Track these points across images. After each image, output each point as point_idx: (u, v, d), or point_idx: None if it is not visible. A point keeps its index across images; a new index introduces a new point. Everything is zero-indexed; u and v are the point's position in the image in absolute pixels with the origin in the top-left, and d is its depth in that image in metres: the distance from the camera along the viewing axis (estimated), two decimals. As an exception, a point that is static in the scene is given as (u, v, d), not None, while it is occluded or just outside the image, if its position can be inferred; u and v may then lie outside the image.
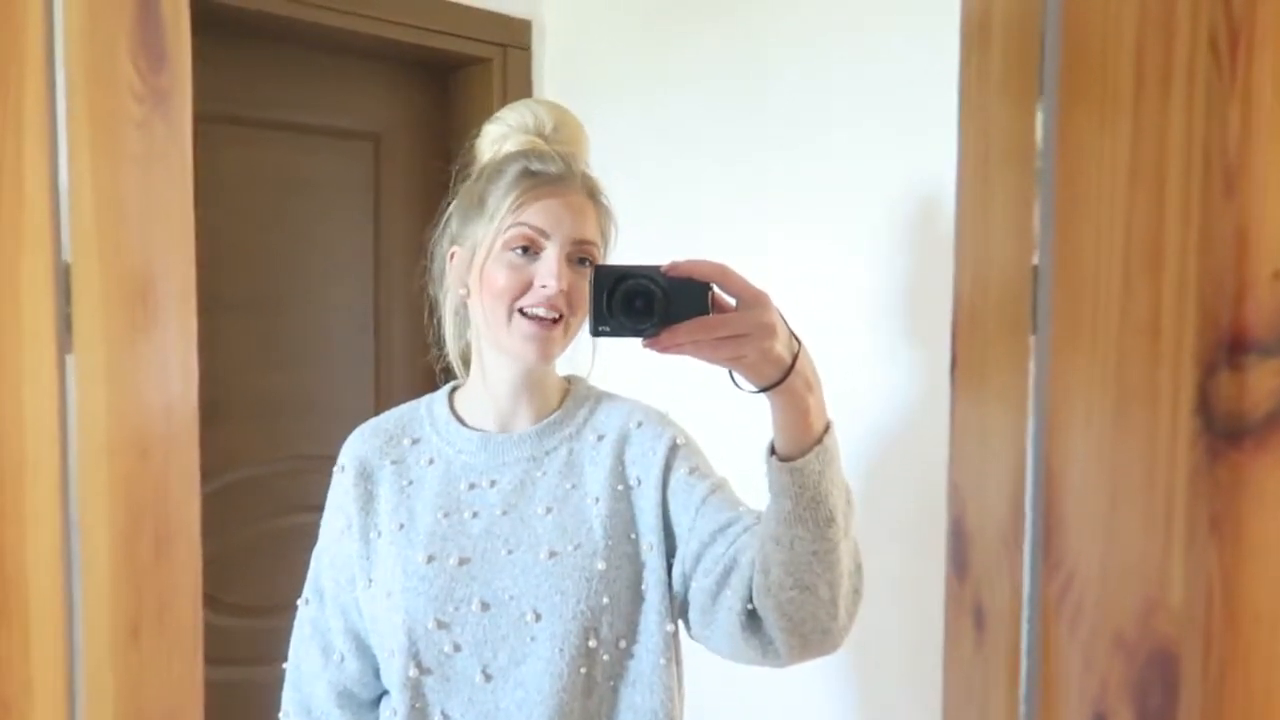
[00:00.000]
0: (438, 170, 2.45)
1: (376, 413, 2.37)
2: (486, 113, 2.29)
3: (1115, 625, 0.40)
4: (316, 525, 1.10)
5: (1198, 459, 0.34)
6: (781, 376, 0.80)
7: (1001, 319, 0.52)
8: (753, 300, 0.79)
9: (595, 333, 0.82)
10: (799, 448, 0.83)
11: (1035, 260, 0.46)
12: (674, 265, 0.79)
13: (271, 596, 1.99)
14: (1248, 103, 0.32)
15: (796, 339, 0.82)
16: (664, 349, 0.79)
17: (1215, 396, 0.34)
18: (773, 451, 0.84)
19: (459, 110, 2.25)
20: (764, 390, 0.81)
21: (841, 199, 1.38)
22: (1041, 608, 0.47)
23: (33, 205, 0.43)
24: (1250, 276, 0.33)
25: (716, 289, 0.80)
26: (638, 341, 0.81)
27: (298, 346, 2.10)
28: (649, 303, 0.79)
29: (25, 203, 0.42)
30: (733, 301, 0.80)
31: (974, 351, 0.59)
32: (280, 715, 1.03)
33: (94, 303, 0.45)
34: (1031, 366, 0.46)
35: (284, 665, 1.04)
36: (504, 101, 2.07)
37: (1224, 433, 0.33)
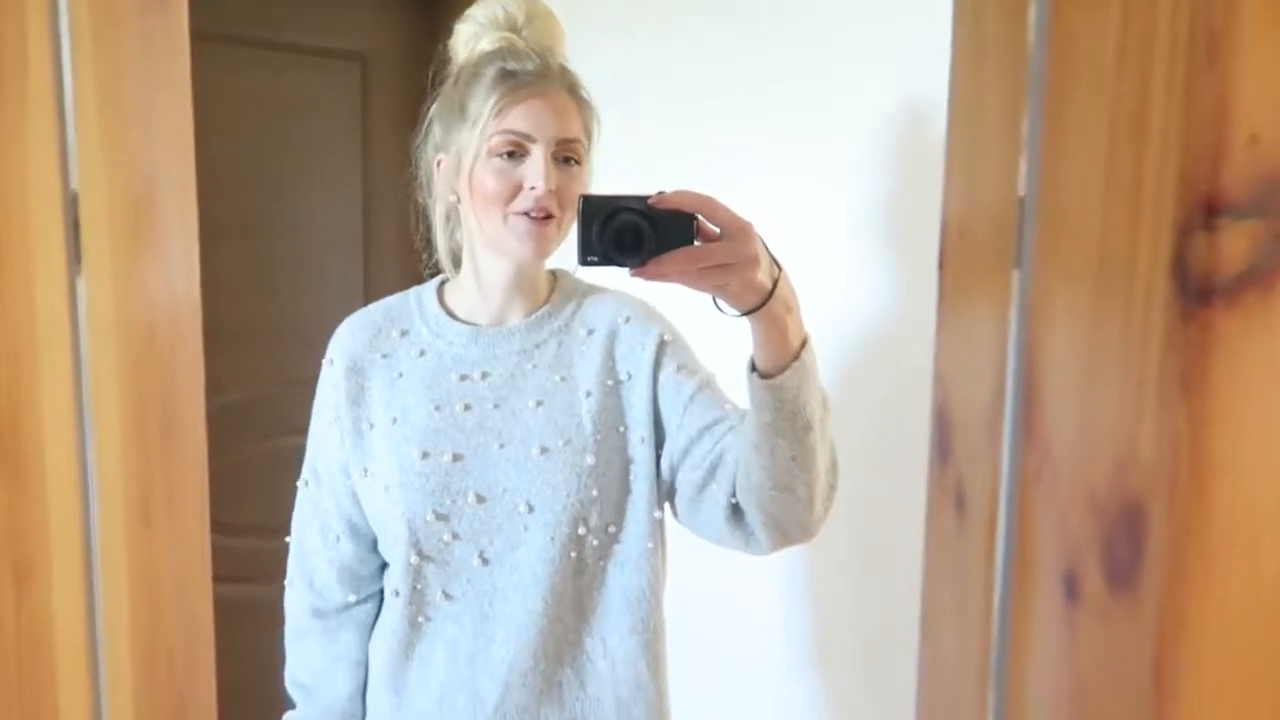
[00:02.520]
0: (425, 91, 2.41)
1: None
2: (475, 32, 2.24)
3: (1088, 487, 0.42)
4: (300, 450, 1.12)
5: (1171, 320, 0.36)
6: (762, 302, 0.82)
7: (992, 196, 0.53)
8: (737, 231, 0.80)
9: (583, 262, 0.84)
10: (778, 365, 0.85)
11: (1023, 162, 0.47)
12: (661, 197, 0.81)
13: (266, 517, 2.01)
14: (1234, -31, 0.33)
15: (777, 264, 0.84)
16: (650, 278, 0.81)
17: (1190, 259, 0.35)
18: (753, 368, 0.87)
19: (446, 30, 2.21)
20: (746, 314, 0.83)
21: (830, 113, 1.38)
22: (1020, 483, 0.49)
23: (38, 130, 0.43)
24: (1228, 142, 0.34)
25: (702, 219, 0.82)
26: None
27: (286, 270, 2.09)
28: (637, 236, 0.80)
29: (29, 122, 0.42)
30: (717, 231, 0.81)
31: (963, 239, 0.60)
32: (286, 583, 1.08)
33: (99, 219, 0.46)
34: (1018, 247, 0.48)
35: (286, 539, 1.08)
36: (493, 20, 2.03)
37: (1196, 293, 0.35)
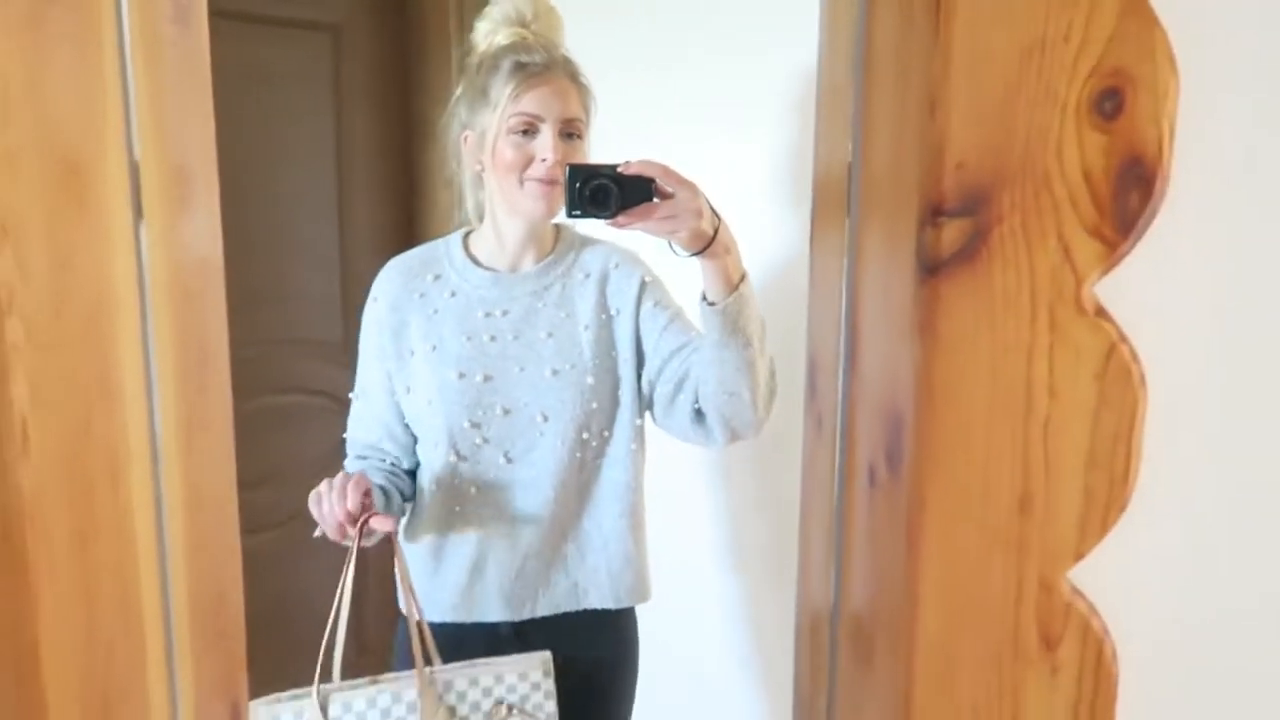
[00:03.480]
0: (397, 62, 2.51)
1: (344, 292, 2.50)
2: (443, 4, 2.34)
3: (879, 405, 0.59)
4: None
5: (914, 287, 0.53)
6: (705, 245, 1.04)
7: (837, 201, 0.69)
8: (684, 191, 1.04)
9: (569, 215, 1.08)
10: (722, 295, 1.08)
11: (849, 156, 0.63)
12: (627, 165, 1.04)
13: (246, 473, 2.15)
14: (947, 55, 0.49)
15: (718, 216, 1.06)
16: (619, 227, 1.05)
17: (924, 245, 0.52)
18: (704, 298, 1.10)
19: (415, 2, 2.31)
20: (694, 255, 1.06)
21: (738, 94, 1.59)
22: (848, 404, 0.66)
23: (112, 117, 0.57)
24: (944, 168, 0.50)
25: (659, 181, 1.04)
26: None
27: (262, 237, 2.19)
28: (608, 196, 1.04)
29: (108, 116, 0.57)
30: (670, 191, 1.03)
31: (826, 225, 0.76)
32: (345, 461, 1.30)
33: (153, 184, 0.60)
34: (846, 232, 0.64)
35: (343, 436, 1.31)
36: (459, -8, 2.16)
37: (927, 268, 0.52)
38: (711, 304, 1.08)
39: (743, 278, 1.09)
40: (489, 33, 1.23)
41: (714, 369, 1.11)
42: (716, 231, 1.04)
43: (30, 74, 0.53)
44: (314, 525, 1.13)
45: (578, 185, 1.05)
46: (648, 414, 1.27)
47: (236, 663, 0.78)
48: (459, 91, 1.26)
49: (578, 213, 1.07)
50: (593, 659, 1.29)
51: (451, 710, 1.10)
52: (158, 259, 0.61)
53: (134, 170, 0.57)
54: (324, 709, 1.08)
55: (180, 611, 0.67)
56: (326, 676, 1.09)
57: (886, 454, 0.58)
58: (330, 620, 1.09)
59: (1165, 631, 0.58)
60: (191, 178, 0.68)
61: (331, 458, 1.34)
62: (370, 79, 2.38)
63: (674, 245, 1.06)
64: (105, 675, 0.60)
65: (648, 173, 1.04)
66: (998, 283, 0.51)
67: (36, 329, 0.54)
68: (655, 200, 1.04)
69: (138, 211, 0.58)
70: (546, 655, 1.17)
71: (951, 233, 0.51)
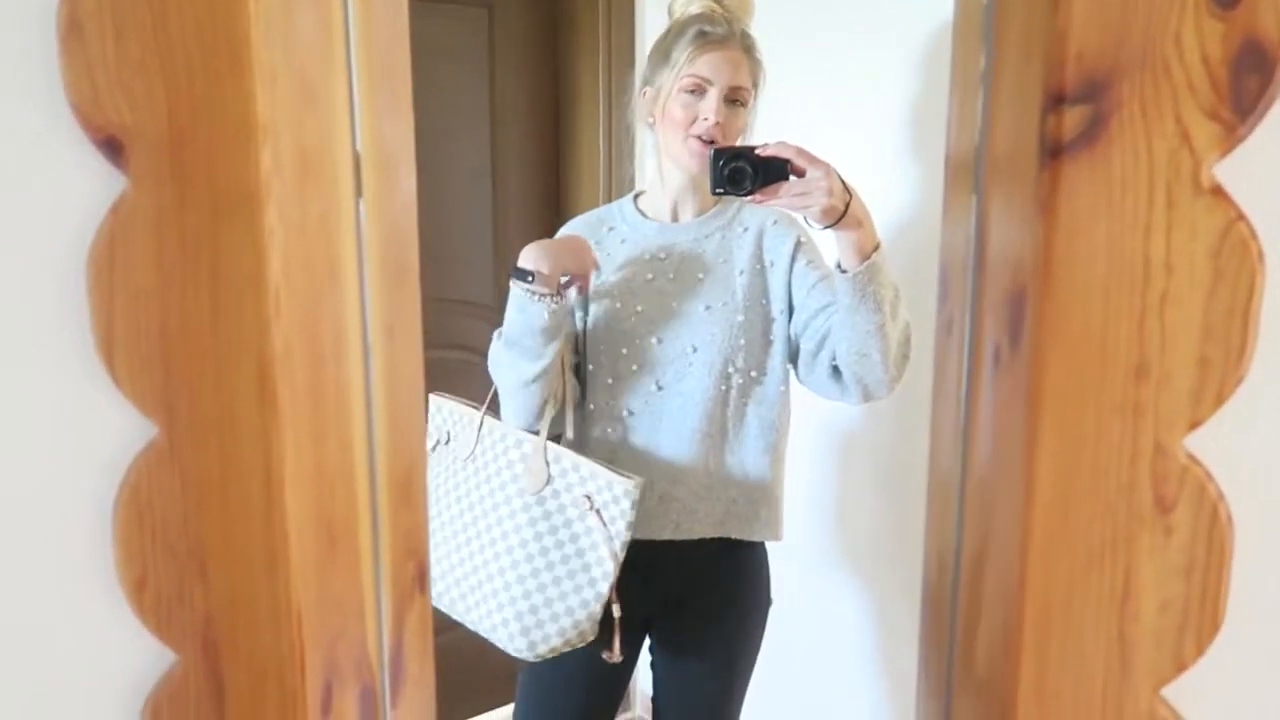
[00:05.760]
0: (546, 38, 2.64)
1: (496, 257, 2.68)
2: (592, -20, 2.44)
3: (1003, 289, 0.64)
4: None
5: (1038, 169, 0.58)
6: (836, 219, 1.14)
7: (971, 107, 0.74)
8: (817, 169, 1.14)
9: (714, 193, 1.21)
10: (854, 263, 1.17)
11: (982, 64, 0.68)
12: (764, 147, 1.17)
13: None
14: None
15: (849, 192, 1.15)
16: (758, 203, 1.18)
17: (1047, 130, 0.57)
18: (839, 266, 1.19)
19: (568, -22, 2.42)
20: (826, 227, 1.16)
21: (860, 38, 1.65)
22: (977, 300, 0.70)
23: (337, 52, 0.69)
24: (1065, 57, 0.55)
25: (794, 160, 1.15)
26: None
27: (424, 201, 2.37)
28: (744, 176, 1.16)
29: (334, 48, 0.69)
30: (804, 169, 1.14)
31: (956, 169, 0.81)
32: None
33: (369, 162, 0.72)
34: (977, 133, 0.69)
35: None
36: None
37: (1050, 151, 0.57)
38: (844, 271, 1.18)
39: (876, 248, 1.17)
40: (685, 3, 1.36)
41: (847, 330, 1.20)
42: (847, 206, 1.13)
43: (286, 11, 0.65)
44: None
45: (720, 165, 1.17)
46: (791, 368, 1.36)
47: (421, 527, 0.90)
48: (649, 53, 1.40)
49: (720, 190, 1.19)
50: (724, 585, 1.37)
51: (550, 477, 1.23)
52: (371, 222, 0.73)
53: (356, 159, 0.70)
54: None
55: (381, 473, 0.80)
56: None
57: (1010, 332, 0.63)
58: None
59: (1281, 502, 0.61)
60: (394, 161, 0.80)
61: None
62: (521, 54, 2.51)
63: (808, 219, 1.17)
64: (330, 512, 0.73)
65: (783, 154, 1.14)
66: (1116, 165, 0.56)
67: (287, 216, 0.66)
68: (790, 179, 1.14)
69: (358, 189, 0.71)
70: (634, 484, 1.24)
71: (1073, 118, 0.56)
